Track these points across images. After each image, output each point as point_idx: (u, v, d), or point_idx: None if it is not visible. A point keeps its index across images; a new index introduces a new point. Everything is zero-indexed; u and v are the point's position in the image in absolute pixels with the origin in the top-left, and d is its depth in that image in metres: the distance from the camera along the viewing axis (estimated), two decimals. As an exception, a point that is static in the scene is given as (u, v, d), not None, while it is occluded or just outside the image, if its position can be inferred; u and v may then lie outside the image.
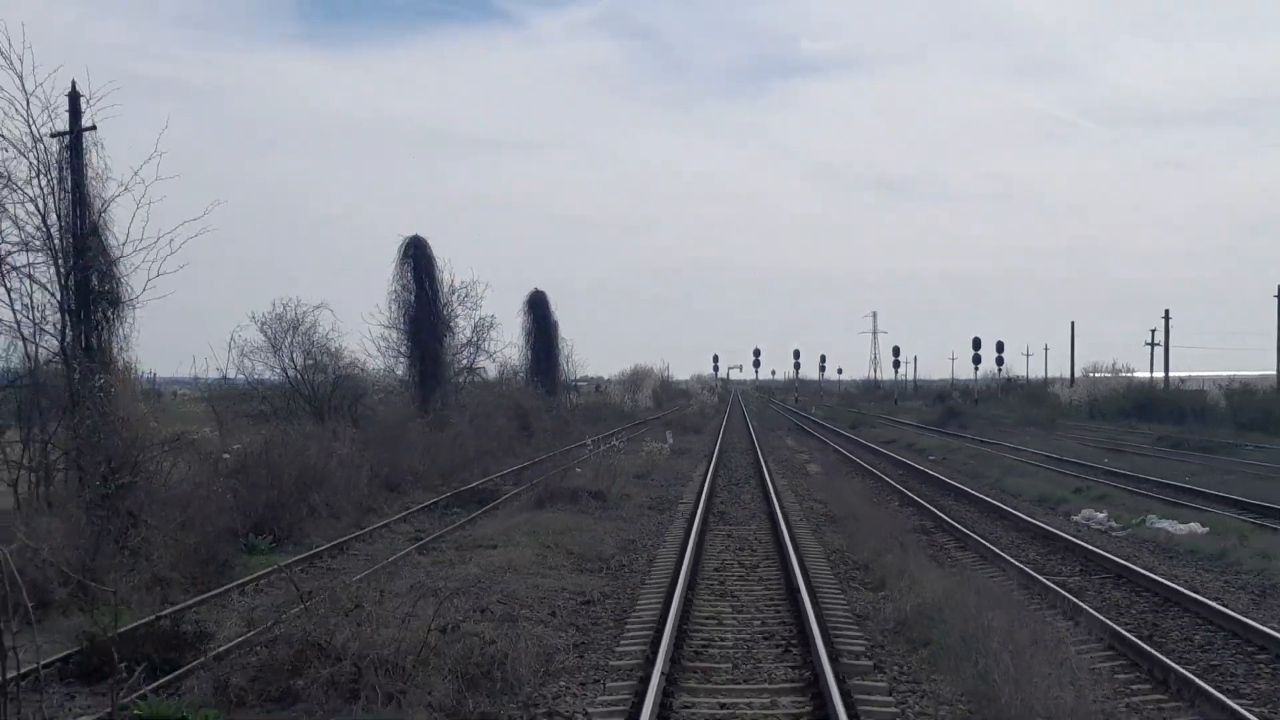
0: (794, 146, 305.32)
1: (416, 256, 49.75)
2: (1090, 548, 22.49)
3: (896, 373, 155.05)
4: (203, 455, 23.31)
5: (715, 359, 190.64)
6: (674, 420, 80.00)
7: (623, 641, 15.13)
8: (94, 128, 23.50)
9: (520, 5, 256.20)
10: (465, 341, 57.11)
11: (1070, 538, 23.97)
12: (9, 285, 22.05)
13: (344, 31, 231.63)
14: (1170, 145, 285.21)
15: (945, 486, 35.34)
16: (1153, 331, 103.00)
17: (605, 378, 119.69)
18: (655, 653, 13.54)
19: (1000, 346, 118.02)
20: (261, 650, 12.41)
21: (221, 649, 13.51)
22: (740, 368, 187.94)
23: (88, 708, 11.96)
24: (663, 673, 12.72)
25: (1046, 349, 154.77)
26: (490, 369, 63.08)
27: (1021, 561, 21.01)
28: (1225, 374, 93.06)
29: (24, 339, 22.13)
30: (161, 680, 12.48)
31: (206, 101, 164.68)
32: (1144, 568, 20.48)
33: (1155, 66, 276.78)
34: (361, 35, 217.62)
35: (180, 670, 12.95)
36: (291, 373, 37.36)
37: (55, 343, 22.69)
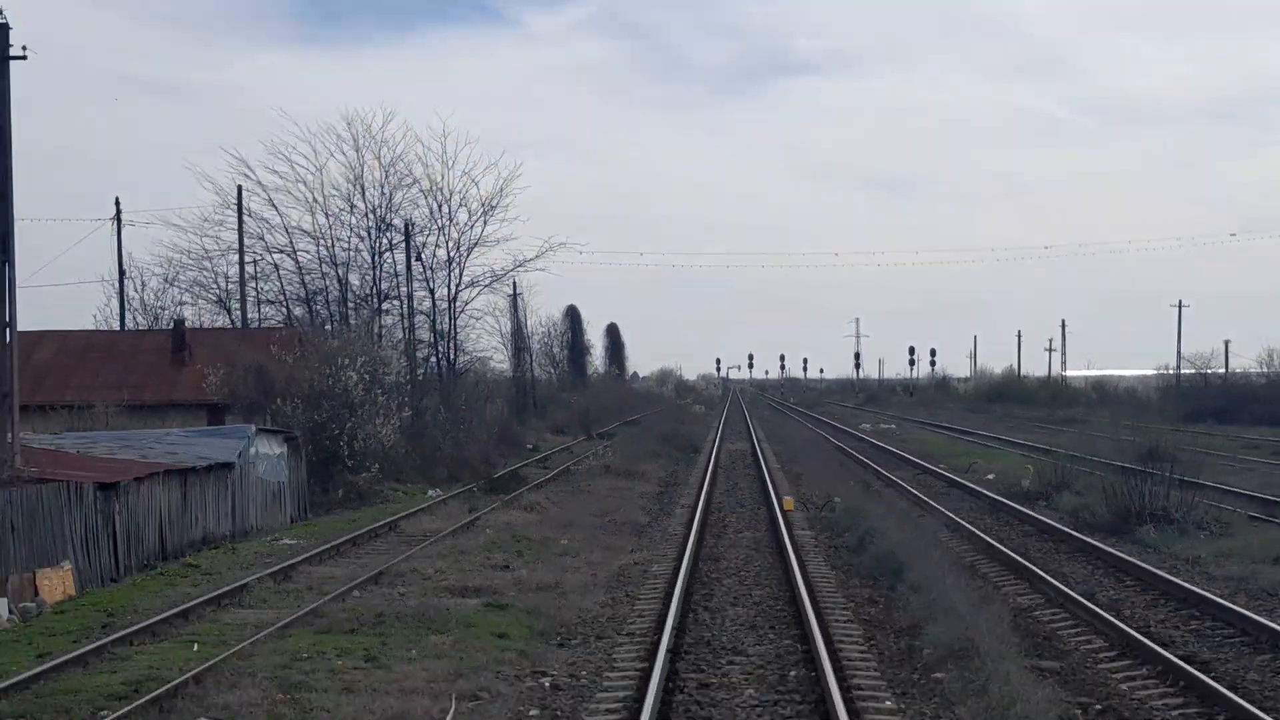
0: (793, 146, 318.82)
1: (573, 317, 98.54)
2: (848, 429, 70.77)
3: (857, 373, 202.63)
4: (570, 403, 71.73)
5: (718, 361, 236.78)
6: (697, 401, 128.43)
7: (708, 437, 63.30)
8: (520, 294, 72.33)
9: (515, 5, 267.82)
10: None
11: (847, 429, 72.21)
12: (506, 347, 70.57)
13: (339, 33, 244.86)
14: (1170, 143, 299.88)
15: (822, 422, 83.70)
16: (1049, 340, 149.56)
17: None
18: (724, 406, 62.02)
19: (934, 352, 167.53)
20: (643, 427, 60.73)
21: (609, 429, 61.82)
22: (739, 368, 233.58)
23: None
24: (726, 412, 61.30)
25: (972, 354, 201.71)
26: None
27: (824, 431, 69.23)
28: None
29: (514, 371, 70.80)
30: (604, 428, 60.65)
31: (203, 102, 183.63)
32: (857, 432, 68.70)
33: (1155, 63, 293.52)
34: (357, 36, 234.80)
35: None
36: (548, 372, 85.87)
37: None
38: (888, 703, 12.51)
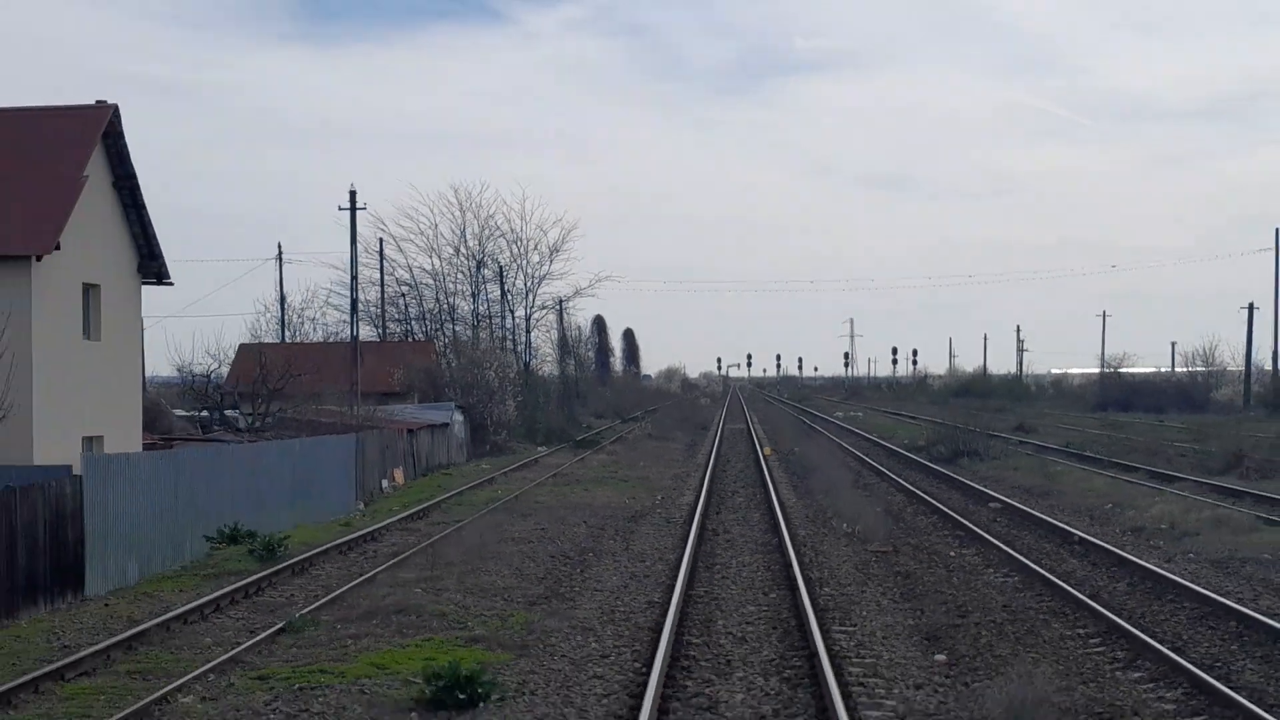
0: (791, 144, 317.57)
1: (600, 325, 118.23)
2: (824, 416, 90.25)
3: (847, 371, 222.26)
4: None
5: (719, 360, 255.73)
6: (702, 396, 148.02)
7: (714, 420, 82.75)
8: (565, 313, 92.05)
9: (513, 4, 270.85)
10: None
11: (823, 415, 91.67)
12: (554, 352, 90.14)
13: (340, 32, 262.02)
14: (1166, 141, 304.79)
15: (805, 411, 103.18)
16: (1021, 340, 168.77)
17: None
18: (725, 400, 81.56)
19: (914, 352, 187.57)
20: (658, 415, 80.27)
21: (636, 416, 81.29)
22: (738, 366, 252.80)
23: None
24: (727, 404, 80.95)
25: (949, 353, 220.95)
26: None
27: (804, 417, 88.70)
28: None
29: (560, 371, 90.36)
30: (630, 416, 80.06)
31: (202, 102, 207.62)
32: (831, 418, 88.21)
33: (1154, 63, 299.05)
34: (357, 35, 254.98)
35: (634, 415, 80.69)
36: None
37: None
38: (792, 499, 32.14)
